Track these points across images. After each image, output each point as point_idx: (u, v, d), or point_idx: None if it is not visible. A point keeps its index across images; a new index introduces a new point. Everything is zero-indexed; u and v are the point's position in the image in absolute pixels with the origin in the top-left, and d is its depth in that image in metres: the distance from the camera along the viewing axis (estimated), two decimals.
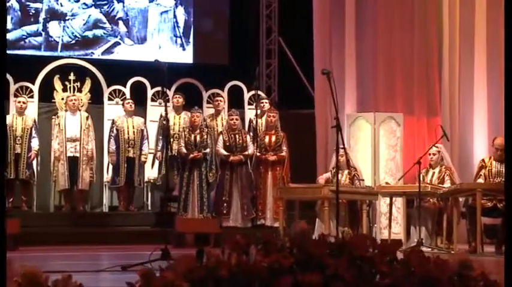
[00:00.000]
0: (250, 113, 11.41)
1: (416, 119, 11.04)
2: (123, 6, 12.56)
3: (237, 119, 10.25)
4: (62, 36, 12.25)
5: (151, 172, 11.04)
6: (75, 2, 12.33)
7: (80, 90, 11.17)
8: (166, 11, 12.78)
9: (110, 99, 11.38)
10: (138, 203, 11.13)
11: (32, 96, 10.94)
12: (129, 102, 10.82)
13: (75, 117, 10.63)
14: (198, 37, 12.93)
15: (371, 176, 10.06)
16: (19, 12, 12.07)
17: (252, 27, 13.45)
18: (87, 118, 10.68)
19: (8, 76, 10.70)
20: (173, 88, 11.43)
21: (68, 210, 10.61)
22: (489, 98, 11.06)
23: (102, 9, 12.47)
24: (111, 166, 10.81)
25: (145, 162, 10.85)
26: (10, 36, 11.94)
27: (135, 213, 10.87)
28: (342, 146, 7.54)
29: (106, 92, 11.36)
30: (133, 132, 10.74)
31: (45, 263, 6.35)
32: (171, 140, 10.54)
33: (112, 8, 12.49)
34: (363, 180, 9.59)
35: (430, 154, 9.39)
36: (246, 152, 10.13)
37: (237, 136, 10.18)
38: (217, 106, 11.11)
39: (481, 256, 7.98)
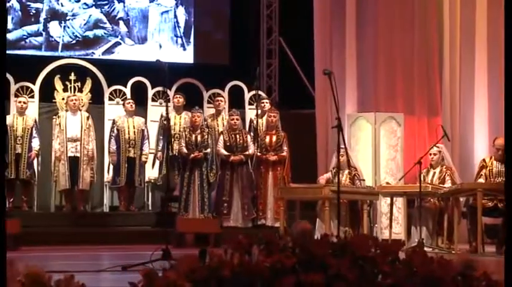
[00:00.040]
0: (250, 113, 11.41)
1: (417, 119, 11.04)
2: (124, 6, 12.56)
3: (237, 119, 10.25)
4: (63, 36, 12.25)
5: (151, 172, 11.04)
6: (76, 2, 12.33)
7: (80, 90, 11.17)
8: (166, 11, 12.78)
9: (110, 99, 11.38)
10: (138, 203, 11.13)
11: (32, 96, 10.94)
12: (129, 102, 10.82)
13: (75, 117, 10.63)
14: (199, 37, 12.93)
15: (372, 176, 10.06)
16: (20, 12, 12.07)
17: (252, 27, 13.45)
18: (87, 118, 10.68)
19: (9, 76, 10.71)
20: (174, 88, 11.43)
21: (69, 210, 10.61)
22: (490, 97, 11.06)
23: (102, 9, 12.46)
24: (111, 166, 10.81)
25: (145, 162, 10.85)
26: (11, 36, 11.95)
27: (136, 213, 10.86)
28: (342, 146, 7.55)
29: (107, 92, 11.36)
30: (134, 132, 10.74)
31: (45, 263, 6.33)
32: (172, 140, 10.53)
33: (112, 8, 12.49)
34: (364, 180, 9.59)
35: (430, 154, 9.39)
36: (247, 152, 10.13)
37: (237, 136, 10.18)
38: (218, 106, 11.11)
39: (481, 256, 7.97)
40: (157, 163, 10.96)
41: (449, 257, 2.89)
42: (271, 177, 10.16)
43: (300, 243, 2.48)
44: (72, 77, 11.18)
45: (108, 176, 10.97)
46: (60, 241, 9.21)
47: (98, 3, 12.41)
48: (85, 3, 12.36)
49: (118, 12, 12.53)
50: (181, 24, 12.87)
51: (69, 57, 11.94)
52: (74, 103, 10.63)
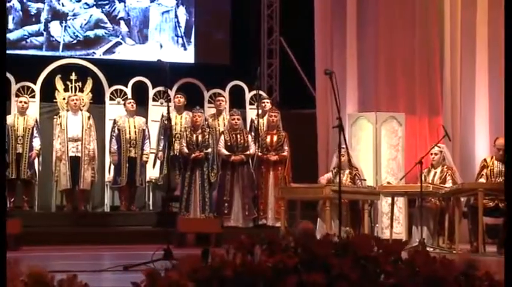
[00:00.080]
0: (251, 113, 11.41)
1: (417, 119, 11.04)
2: (125, 6, 12.56)
3: (238, 119, 10.25)
4: (64, 36, 12.26)
5: (152, 172, 11.05)
6: (77, 2, 12.33)
7: (81, 90, 11.17)
8: (167, 11, 12.78)
9: (111, 99, 11.38)
10: (139, 203, 11.13)
11: (33, 96, 10.94)
12: (130, 102, 10.83)
13: (76, 117, 10.63)
14: (200, 37, 12.93)
15: (373, 175, 10.06)
16: (21, 12, 12.08)
17: (253, 27, 13.45)
18: (88, 118, 10.69)
19: (10, 76, 10.71)
20: (175, 88, 11.43)
21: (70, 210, 10.61)
22: (490, 97, 11.07)
23: (103, 9, 12.47)
24: (112, 166, 10.81)
25: (146, 162, 10.85)
26: (12, 36, 11.96)
27: (137, 213, 10.87)
28: (343, 146, 7.55)
29: (107, 92, 11.36)
30: (135, 132, 10.74)
31: (46, 263, 6.33)
32: (173, 140, 10.53)
33: (113, 8, 12.49)
34: (365, 180, 9.59)
35: (432, 154, 9.39)
36: (248, 152, 10.13)
37: (238, 136, 10.18)
38: (219, 106, 11.11)
39: (482, 256, 7.97)
40: (158, 162, 10.96)
41: (450, 257, 2.89)
42: (272, 177, 10.16)
43: (302, 243, 2.48)
44: (73, 77, 11.18)
45: (109, 176, 10.97)
46: (61, 240, 9.21)
47: (99, 3, 12.41)
48: (86, 3, 12.36)
49: (119, 12, 12.53)
50: (182, 24, 12.87)
51: (70, 57, 11.94)
52: (75, 103, 10.64)
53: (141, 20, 12.66)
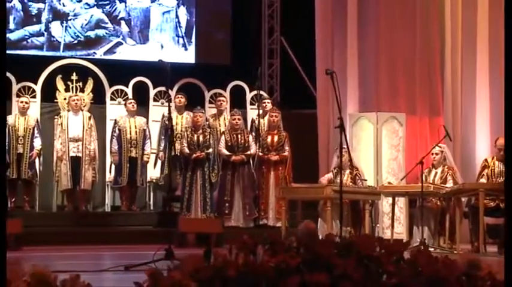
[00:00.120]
0: (252, 113, 11.41)
1: (418, 119, 11.04)
2: (125, 6, 12.56)
3: (239, 119, 10.25)
4: (64, 36, 12.26)
5: (153, 172, 11.05)
6: (77, 2, 12.33)
7: (82, 90, 11.17)
8: (168, 11, 12.78)
9: (112, 99, 11.39)
10: (140, 203, 11.14)
11: (34, 96, 10.95)
12: (131, 102, 10.83)
13: (77, 117, 10.63)
14: (200, 37, 12.92)
15: (373, 176, 10.07)
16: (21, 13, 12.07)
17: (254, 27, 13.45)
18: (89, 118, 10.69)
19: (11, 76, 10.72)
20: (175, 88, 11.44)
21: (71, 210, 10.61)
22: (491, 98, 11.07)
23: (104, 9, 12.46)
24: (113, 166, 10.82)
25: (147, 162, 10.85)
26: (12, 36, 11.96)
27: (138, 213, 10.87)
28: (344, 146, 7.55)
29: (108, 92, 11.36)
30: (136, 132, 10.74)
31: (47, 263, 6.33)
32: (174, 140, 10.53)
33: (114, 8, 12.49)
34: (366, 180, 9.59)
35: (432, 154, 9.39)
36: (248, 152, 10.13)
37: (239, 136, 10.18)
38: (220, 106, 11.11)
39: (483, 256, 7.97)
40: (159, 162, 10.97)
41: (452, 257, 2.89)
42: (273, 177, 10.16)
43: (305, 243, 2.48)
44: (74, 77, 11.18)
45: (110, 176, 10.97)
46: (62, 240, 9.21)
47: (100, 3, 12.40)
48: (87, 3, 12.36)
49: (119, 12, 12.53)
50: (183, 24, 12.86)
51: (71, 57, 11.94)
52: (76, 103, 10.64)
53: (142, 20, 12.66)
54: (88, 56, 12.18)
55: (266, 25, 13.35)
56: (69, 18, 12.30)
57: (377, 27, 11.12)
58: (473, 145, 11.09)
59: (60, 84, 11.16)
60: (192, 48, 12.92)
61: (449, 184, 9.17)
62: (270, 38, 13.36)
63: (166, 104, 10.03)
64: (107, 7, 12.48)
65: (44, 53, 12.19)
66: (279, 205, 9.66)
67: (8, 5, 11.82)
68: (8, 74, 10.62)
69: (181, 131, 10.63)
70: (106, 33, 12.50)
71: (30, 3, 12.11)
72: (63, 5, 12.27)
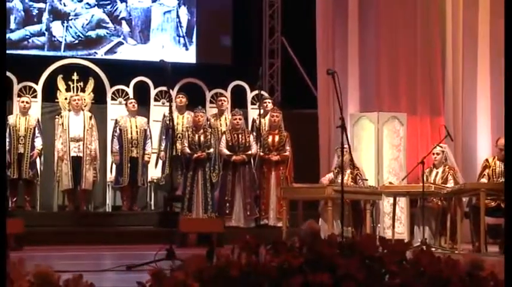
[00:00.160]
0: (253, 112, 11.42)
1: (419, 119, 11.05)
2: (126, 6, 12.56)
3: (240, 119, 10.25)
4: (65, 36, 12.26)
5: (154, 172, 11.05)
6: (78, 2, 12.32)
7: (83, 90, 11.17)
8: (169, 11, 12.78)
9: (113, 99, 11.39)
10: (141, 203, 11.14)
11: (35, 96, 10.95)
12: (131, 102, 10.83)
13: (78, 117, 10.63)
14: (201, 37, 12.92)
15: (374, 175, 10.07)
16: (22, 13, 12.07)
17: (255, 27, 13.44)
18: (90, 118, 10.69)
19: (12, 76, 10.73)
20: (176, 88, 11.44)
21: (72, 210, 10.62)
22: (492, 98, 11.08)
23: (105, 9, 12.46)
24: (114, 166, 10.82)
25: (148, 162, 10.85)
26: (13, 36, 11.96)
27: (138, 213, 10.87)
28: (345, 146, 7.55)
29: (109, 92, 11.37)
30: (137, 132, 10.74)
31: (49, 263, 6.34)
32: (175, 140, 10.53)
33: (115, 8, 12.49)
34: (367, 180, 9.60)
35: (434, 154, 9.40)
36: (249, 152, 10.13)
37: (240, 136, 10.18)
38: (221, 106, 11.11)
39: (484, 256, 7.96)
40: (160, 162, 10.97)
41: (453, 257, 2.89)
42: (274, 177, 10.16)
43: (308, 243, 2.48)
44: (75, 77, 11.18)
45: (110, 176, 10.97)
46: (63, 240, 9.21)
47: (101, 3, 12.40)
48: (87, 3, 12.35)
49: (120, 12, 12.53)
50: (184, 24, 12.86)
51: (72, 57, 11.94)
52: (77, 103, 10.64)
53: (143, 20, 12.66)
54: (89, 56, 12.18)
55: (267, 25, 13.35)
56: (70, 18, 12.29)
57: (378, 27, 11.13)
58: (474, 145, 11.10)
59: (61, 84, 11.17)
60: (193, 48, 12.91)
61: (450, 183, 9.17)
62: (271, 38, 13.35)
63: (167, 104, 10.06)
64: (108, 7, 12.47)
65: (45, 53, 12.19)
66: (280, 205, 9.67)
67: (9, 4, 11.82)
68: (9, 74, 10.63)
69: (182, 131, 10.63)
70: (107, 33, 12.50)
71: (31, 3, 12.11)
72: (64, 5, 12.26)
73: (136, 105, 10.84)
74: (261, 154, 10.17)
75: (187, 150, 10.09)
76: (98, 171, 10.73)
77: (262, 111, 10.65)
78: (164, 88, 11.13)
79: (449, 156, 9.50)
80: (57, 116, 10.86)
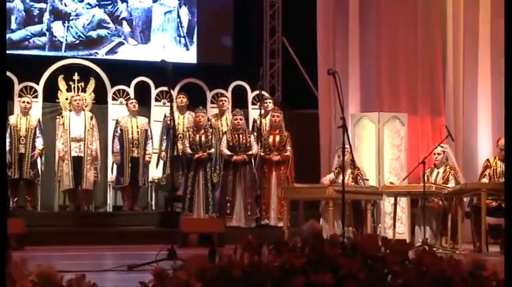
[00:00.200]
0: (254, 113, 11.42)
1: (420, 119, 11.05)
2: (127, 6, 12.56)
3: (241, 119, 10.25)
4: (66, 36, 12.26)
5: (155, 172, 11.05)
6: (79, 2, 12.33)
7: (84, 90, 11.18)
8: (170, 11, 12.78)
9: (114, 99, 11.40)
10: (142, 203, 11.14)
11: (36, 96, 10.96)
12: (132, 102, 10.84)
13: (79, 117, 10.64)
14: (202, 37, 12.93)
15: (375, 175, 10.08)
16: (23, 13, 12.08)
17: (255, 27, 13.44)
18: (91, 118, 10.70)
19: (13, 76, 10.74)
20: (177, 88, 11.44)
21: (72, 210, 10.62)
22: (493, 98, 11.08)
23: (106, 9, 12.47)
24: (115, 166, 10.82)
25: (149, 162, 10.85)
26: (14, 36, 11.97)
27: (139, 213, 10.87)
28: (346, 146, 7.55)
29: (110, 92, 11.38)
30: (138, 132, 10.75)
31: (50, 263, 6.33)
32: (176, 140, 10.53)
33: (116, 8, 12.49)
34: (367, 180, 9.61)
35: (435, 154, 9.40)
36: (250, 152, 10.13)
37: (240, 136, 10.18)
38: (222, 106, 11.12)
39: (485, 256, 7.96)
40: (161, 162, 10.97)
41: (455, 257, 2.89)
42: (275, 177, 10.16)
43: (311, 243, 2.48)
44: (76, 77, 11.19)
45: (111, 176, 10.97)
46: (64, 240, 9.22)
47: (101, 3, 12.41)
48: (88, 3, 12.36)
49: (121, 12, 12.53)
50: (185, 24, 12.87)
51: (73, 57, 11.94)
52: (78, 103, 10.65)
53: (144, 20, 12.66)
54: (90, 56, 12.18)
55: (268, 25, 13.35)
56: (71, 18, 12.29)
57: (378, 27, 11.13)
58: (475, 145, 11.10)
59: (62, 84, 11.17)
60: (193, 48, 12.91)
61: (451, 183, 9.18)
62: (271, 38, 13.35)
63: (168, 104, 10.06)
64: (109, 7, 12.48)
65: (46, 53, 12.19)
66: (281, 205, 9.67)
67: (10, 5, 11.83)
68: (10, 74, 10.64)
69: (183, 131, 10.64)
70: (108, 33, 12.50)
71: (32, 3, 12.12)
72: (65, 5, 12.27)
73: (137, 105, 10.84)
74: (262, 154, 10.17)
75: (189, 150, 10.09)
76: (98, 171, 10.73)
77: (263, 111, 10.66)
78: (165, 88, 11.14)
79: (450, 156, 9.50)
80: (58, 116, 10.86)
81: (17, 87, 10.89)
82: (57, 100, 11.20)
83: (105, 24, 12.46)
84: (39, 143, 10.48)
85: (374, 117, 10.32)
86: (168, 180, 10.59)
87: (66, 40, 12.26)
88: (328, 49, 11.26)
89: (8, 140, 10.24)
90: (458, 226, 8.82)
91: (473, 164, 10.72)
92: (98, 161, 10.71)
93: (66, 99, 11.06)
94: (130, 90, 11.43)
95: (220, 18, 13.11)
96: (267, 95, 11.81)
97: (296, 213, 9.44)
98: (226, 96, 11.43)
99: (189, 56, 12.88)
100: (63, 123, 10.60)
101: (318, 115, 11.28)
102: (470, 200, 9.11)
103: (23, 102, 10.51)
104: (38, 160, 10.51)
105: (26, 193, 10.56)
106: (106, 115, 11.28)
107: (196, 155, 10.03)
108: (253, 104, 11.76)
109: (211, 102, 11.68)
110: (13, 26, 11.96)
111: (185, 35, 12.85)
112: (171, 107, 8.12)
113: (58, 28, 12.24)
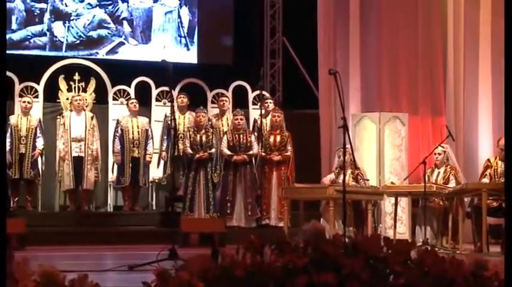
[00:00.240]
0: (254, 113, 11.42)
1: (420, 119, 11.05)
2: (128, 6, 12.56)
3: (241, 119, 10.25)
4: (67, 36, 12.26)
5: (156, 172, 11.05)
6: (80, 2, 12.33)
7: (84, 90, 11.18)
8: (170, 11, 12.78)
9: (114, 99, 11.40)
10: (142, 203, 11.14)
11: (37, 96, 10.96)
12: (133, 102, 10.84)
13: (80, 118, 10.64)
14: (202, 37, 12.93)
15: (376, 175, 10.07)
16: (24, 13, 12.08)
17: (256, 27, 13.44)
18: (92, 118, 10.70)
19: (13, 76, 10.74)
20: (178, 88, 11.44)
21: (73, 210, 10.62)
22: (494, 98, 11.08)
23: (106, 9, 12.47)
24: (116, 166, 10.82)
25: (149, 162, 10.85)
26: (15, 36, 11.97)
27: (140, 213, 10.87)
28: (347, 146, 7.55)
29: (111, 92, 11.38)
30: (138, 132, 10.75)
31: (51, 263, 6.33)
32: (177, 140, 10.53)
33: (116, 8, 12.50)
34: (368, 180, 9.61)
35: (435, 154, 9.40)
36: (250, 152, 10.13)
37: (241, 136, 10.18)
38: (222, 106, 11.12)
39: (486, 256, 7.96)
40: (161, 162, 10.97)
41: (457, 257, 2.89)
42: (275, 177, 10.16)
43: (313, 243, 2.49)
44: (76, 77, 11.19)
45: (112, 176, 10.97)
46: (64, 240, 9.22)
47: (102, 3, 12.41)
48: (89, 4, 12.36)
49: (122, 12, 12.53)
50: (185, 24, 12.87)
51: (73, 57, 11.94)
52: (78, 103, 10.65)
53: (144, 20, 12.66)
54: (90, 56, 12.18)
55: (268, 25, 13.35)
56: (71, 18, 12.29)
57: (379, 28, 11.13)
58: (475, 145, 11.10)
59: (62, 84, 11.17)
60: (194, 48, 12.92)
61: (452, 184, 9.17)
62: (272, 38, 13.36)
63: (169, 104, 10.06)
64: (109, 7, 12.48)
65: (47, 53, 12.19)
66: (281, 205, 9.67)
67: (11, 5, 11.83)
68: (11, 74, 10.64)
69: (184, 131, 10.64)
70: (108, 33, 12.50)
71: (32, 3, 12.12)
72: (66, 5, 12.27)
73: (137, 105, 10.84)
74: (263, 154, 10.18)
75: (189, 150, 10.09)
76: (99, 171, 10.73)
77: (263, 111, 10.66)
78: (165, 88, 11.14)
79: (451, 156, 9.50)
80: (58, 116, 10.87)
81: (18, 87, 10.89)
82: (57, 100, 11.21)
83: (105, 24, 12.46)
84: (40, 143, 10.49)
85: (375, 117, 10.32)
86: (169, 180, 10.59)
87: (66, 40, 12.26)
88: (329, 49, 11.26)
89: (8, 140, 10.25)
90: (459, 226, 8.82)
91: (474, 164, 10.72)
92: (99, 161, 10.71)
93: (67, 99, 11.07)
94: (131, 90, 11.43)
95: (221, 19, 13.11)
96: (267, 95, 11.82)
97: (297, 213, 9.44)
98: (227, 97, 11.43)
99: (189, 56, 12.88)
100: (64, 123, 10.60)
101: (319, 115, 11.28)
102: (471, 200, 9.11)
103: (24, 102, 10.51)
104: (39, 160, 10.51)
105: (26, 193, 10.56)
106: (107, 115, 11.28)
107: (197, 155, 10.03)
108: (253, 104, 11.75)
109: (212, 102, 11.68)
110: (14, 26, 11.97)
111: (186, 35, 12.85)
112: (172, 107, 8.11)
113: (59, 28, 12.24)
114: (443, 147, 9.42)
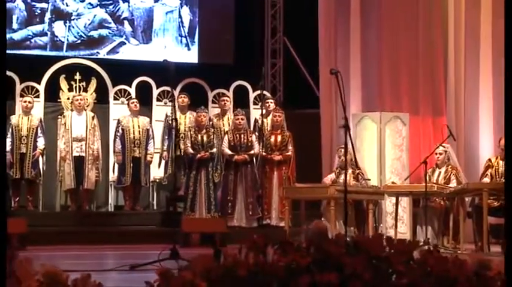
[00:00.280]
0: (255, 112, 11.42)
1: (421, 119, 11.05)
2: (129, 6, 12.56)
3: (242, 119, 10.26)
4: (68, 36, 12.26)
5: (157, 172, 11.06)
6: (81, 2, 12.33)
7: (85, 90, 11.19)
8: (171, 11, 12.78)
9: (115, 99, 11.40)
10: (143, 203, 11.14)
11: (37, 96, 10.96)
12: (133, 102, 10.84)
13: (80, 117, 10.64)
14: (203, 37, 12.92)
15: (377, 175, 10.07)
16: (25, 13, 12.07)
17: (257, 27, 13.44)
18: (92, 118, 10.70)
19: (14, 76, 10.75)
20: (179, 88, 11.44)
21: (74, 210, 10.63)
22: (494, 98, 11.08)
23: (107, 9, 12.47)
24: (117, 166, 10.83)
25: (150, 162, 10.85)
26: (16, 36, 11.97)
27: (141, 212, 10.87)
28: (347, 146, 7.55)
29: (111, 91, 11.38)
30: (139, 132, 10.75)
31: (51, 263, 6.33)
32: (178, 139, 10.54)
33: (117, 8, 12.49)
34: (369, 179, 9.61)
35: (436, 154, 9.40)
36: (251, 152, 10.14)
37: (242, 136, 10.18)
38: (224, 106, 11.12)
39: (487, 256, 7.97)
40: (162, 162, 10.98)
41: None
42: (276, 177, 10.17)
43: (316, 242, 2.49)
44: (77, 76, 11.20)
45: (113, 175, 10.98)
46: (66, 240, 9.23)
47: (103, 3, 12.40)
48: (90, 3, 12.36)
49: (123, 12, 12.53)
50: (186, 24, 12.86)
51: (74, 57, 11.94)
52: (79, 103, 10.66)
53: (145, 20, 12.66)
54: (91, 56, 12.18)
55: (269, 25, 13.35)
56: (72, 18, 12.29)
57: (380, 28, 11.13)
58: (476, 145, 11.10)
59: (63, 84, 11.18)
60: (195, 48, 12.91)
61: (453, 183, 9.18)
62: (273, 38, 13.35)
63: (170, 103, 10.06)
64: (110, 7, 12.47)
65: (48, 53, 12.19)
66: (282, 205, 9.68)
67: (12, 4, 11.83)
68: (12, 74, 10.65)
69: (185, 130, 10.64)
70: (109, 33, 12.50)
71: (33, 3, 12.11)
72: (67, 5, 12.26)
73: (138, 105, 10.84)
74: (264, 153, 10.18)
75: (190, 150, 10.10)
76: (100, 171, 10.73)
77: (264, 111, 10.66)
78: (166, 88, 11.14)
79: (451, 156, 9.50)
80: (59, 116, 10.87)
81: (19, 87, 10.90)
82: (58, 100, 11.21)
83: (106, 24, 12.45)
84: (41, 142, 10.49)
85: (376, 117, 10.32)
86: (170, 180, 10.58)
87: (67, 40, 12.26)
88: (330, 49, 11.26)
89: (9, 139, 10.25)
90: (460, 226, 8.82)
91: (475, 164, 10.71)
92: (100, 161, 10.72)
93: (68, 99, 11.07)
94: (132, 90, 11.43)
95: (222, 18, 13.11)
96: (268, 95, 11.82)
97: (297, 213, 9.44)
98: (228, 96, 11.43)
99: (190, 56, 12.88)
100: (65, 123, 10.60)
101: (320, 115, 11.28)
102: (472, 200, 9.11)
103: (25, 102, 10.51)
104: (40, 160, 10.52)
105: (27, 193, 10.56)
106: (107, 115, 11.29)
107: (198, 155, 10.04)
108: (254, 104, 11.76)
109: (213, 102, 11.68)
110: (15, 25, 11.96)
111: (186, 35, 12.85)
112: (173, 106, 8.12)
113: (59, 28, 12.24)
114: (444, 147, 9.42)
